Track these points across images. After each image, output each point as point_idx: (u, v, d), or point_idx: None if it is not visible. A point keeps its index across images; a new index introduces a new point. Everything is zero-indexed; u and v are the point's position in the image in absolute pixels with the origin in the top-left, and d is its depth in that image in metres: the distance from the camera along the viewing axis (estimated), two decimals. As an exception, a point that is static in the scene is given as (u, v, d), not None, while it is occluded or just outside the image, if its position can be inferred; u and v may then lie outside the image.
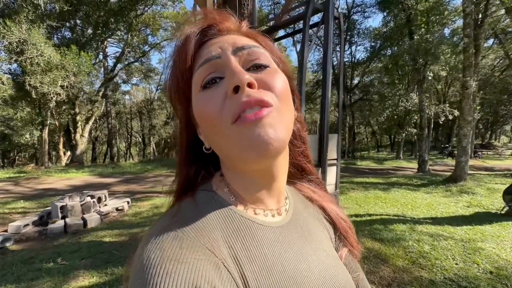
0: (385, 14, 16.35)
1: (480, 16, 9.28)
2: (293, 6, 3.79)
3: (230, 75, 0.31)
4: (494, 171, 11.27)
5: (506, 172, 10.59)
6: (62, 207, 4.52)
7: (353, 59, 21.11)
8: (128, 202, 5.78)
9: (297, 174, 0.50)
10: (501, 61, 19.19)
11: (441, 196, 6.59)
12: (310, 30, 3.09)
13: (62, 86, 11.55)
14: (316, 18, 3.98)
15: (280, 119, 0.32)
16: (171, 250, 0.28)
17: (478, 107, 14.98)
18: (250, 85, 0.31)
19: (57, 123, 15.19)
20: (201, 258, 0.29)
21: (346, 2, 19.82)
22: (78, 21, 15.48)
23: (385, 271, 2.85)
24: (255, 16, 2.66)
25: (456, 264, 3.00)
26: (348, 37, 19.59)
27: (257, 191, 0.38)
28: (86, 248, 3.51)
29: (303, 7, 3.15)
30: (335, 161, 2.87)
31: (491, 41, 16.68)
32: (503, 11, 10.17)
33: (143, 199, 6.49)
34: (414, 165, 13.52)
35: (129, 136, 30.26)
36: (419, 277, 2.73)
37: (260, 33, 0.40)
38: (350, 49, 20.80)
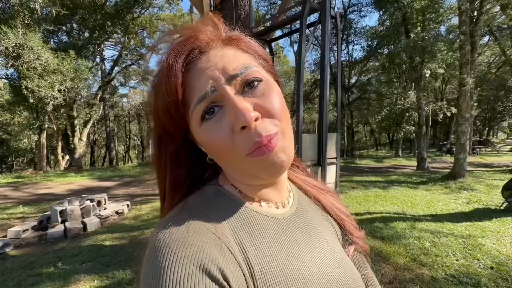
0: (381, 13, 16.40)
1: (475, 13, 9.34)
2: (289, 6, 3.80)
3: (234, 113, 0.32)
4: (492, 167, 11.32)
5: (504, 168, 10.64)
6: (61, 211, 4.50)
7: (350, 58, 21.18)
8: (128, 205, 5.76)
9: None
10: (497, 58, 19.32)
11: (440, 193, 6.60)
12: (307, 30, 3.10)
13: (59, 90, 11.53)
14: (313, 18, 3.99)
15: (285, 138, 0.34)
16: (179, 234, 0.31)
17: (475, 104, 15.05)
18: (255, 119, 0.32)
19: (55, 127, 15.14)
20: (207, 240, 0.31)
21: (342, 1, 19.89)
22: (74, 25, 15.46)
23: (387, 268, 2.85)
24: (252, 16, 2.67)
25: (457, 260, 3.01)
26: (345, 36, 19.65)
27: (262, 188, 0.40)
28: (87, 252, 3.49)
29: (300, 7, 3.16)
30: (334, 160, 2.87)
31: (486, 38, 16.80)
32: (498, 8, 10.24)
33: (143, 202, 6.47)
34: (413, 163, 13.56)
35: (127, 139, 30.20)
36: (420, 274, 2.74)
37: (239, 34, 0.39)
38: (347, 48, 20.87)
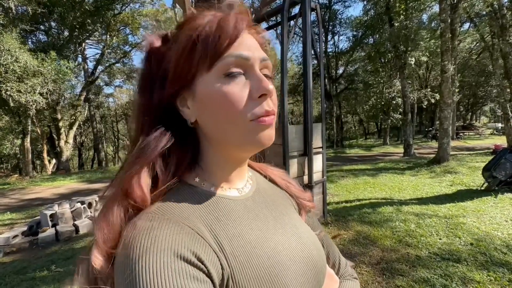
0: (365, 2, 16.54)
1: (455, 0, 9.55)
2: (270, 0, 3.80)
3: (258, 80, 0.37)
4: (475, 151, 11.77)
5: (486, 150, 11.09)
6: (51, 215, 4.43)
7: (336, 49, 21.30)
8: (119, 206, 5.72)
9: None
10: (477, 44, 19.85)
11: (426, 178, 6.85)
12: (290, 22, 3.13)
13: (41, 94, 11.13)
14: (296, 9, 4.01)
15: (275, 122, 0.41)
16: (148, 228, 0.31)
17: (457, 90, 15.49)
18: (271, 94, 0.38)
19: (39, 131, 14.68)
20: (178, 230, 0.32)
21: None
22: (53, 24, 14.87)
23: (374, 251, 2.98)
24: (234, 10, 2.67)
25: (440, 239, 3.17)
26: (330, 27, 19.72)
27: (230, 172, 0.44)
28: (80, 254, 3.48)
29: (281, 0, 3.18)
30: (320, 149, 2.95)
31: (467, 25, 17.23)
32: (476, -5, 10.50)
33: (135, 202, 6.43)
34: (400, 150, 13.92)
35: (116, 139, 29.62)
36: (405, 254, 2.88)
37: (262, 31, 0.44)
38: (333, 40, 20.99)
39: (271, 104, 0.38)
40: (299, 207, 0.54)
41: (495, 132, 21.63)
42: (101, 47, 18.63)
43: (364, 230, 3.59)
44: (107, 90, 28.39)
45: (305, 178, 2.98)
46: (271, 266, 0.37)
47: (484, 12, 10.65)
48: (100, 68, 19.22)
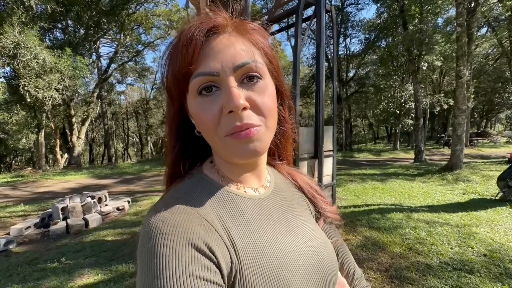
0: (378, 5, 16.30)
1: (472, 4, 9.31)
2: (285, 0, 3.79)
3: (227, 96, 0.35)
4: (489, 159, 11.42)
5: (501, 159, 10.74)
6: (63, 209, 4.54)
7: (348, 51, 21.09)
8: (128, 202, 5.81)
9: (275, 159, 0.56)
10: (494, 50, 19.29)
11: (437, 185, 6.69)
12: (303, 24, 3.11)
13: (57, 90, 11.46)
14: (309, 11, 4.00)
15: (266, 132, 0.39)
16: (168, 217, 0.35)
17: (472, 96, 15.09)
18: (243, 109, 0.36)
19: (52, 126, 15.09)
20: (193, 221, 0.35)
21: (339, -5, 19.68)
22: (69, 22, 15.29)
23: (383, 257, 2.93)
24: (248, 11, 2.67)
25: (452, 248, 3.08)
26: (342, 30, 19.54)
27: (242, 174, 0.45)
28: (89, 247, 3.55)
29: (296, 1, 3.17)
30: (331, 153, 2.92)
31: (484, 29, 16.77)
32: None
33: (143, 199, 6.53)
34: (411, 155, 13.66)
35: (126, 136, 30.15)
36: (415, 262, 2.81)
37: (252, 26, 0.41)
38: (344, 42, 20.76)
39: (247, 116, 0.36)
40: (320, 215, 0.53)
41: (510, 140, 20.94)
42: (115, 45, 19.04)
43: (372, 235, 3.53)
44: (119, 87, 28.94)
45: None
46: (279, 266, 0.38)
47: (503, 17, 10.34)
48: (113, 66, 19.64)
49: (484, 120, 30.95)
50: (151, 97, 27.10)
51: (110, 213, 5.17)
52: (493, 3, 11.63)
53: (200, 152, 0.47)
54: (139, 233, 0.36)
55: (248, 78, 0.37)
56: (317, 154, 2.64)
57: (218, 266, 0.33)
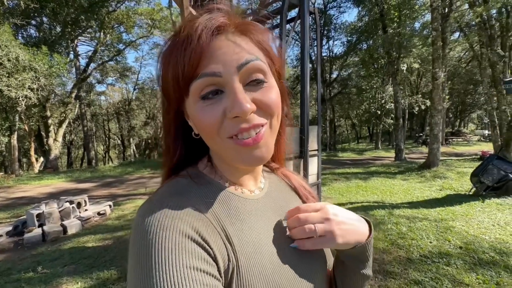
0: (359, 8, 16.82)
1: (446, 10, 9.82)
2: (270, 1, 3.81)
3: (233, 101, 0.34)
4: (463, 156, 12.08)
5: (473, 156, 11.38)
6: (38, 215, 4.30)
7: (331, 53, 21.56)
8: (110, 206, 5.61)
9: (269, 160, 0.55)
10: (466, 53, 20.43)
11: (416, 182, 6.98)
12: (287, 25, 3.14)
13: (31, 89, 10.85)
14: (293, 13, 4.04)
15: (271, 133, 0.38)
16: (165, 211, 0.34)
17: (447, 97, 15.90)
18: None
19: (26, 128, 14.28)
20: (190, 215, 0.35)
21: (324, -3, 20.08)
22: (44, 19, 14.55)
23: (367, 253, 3.01)
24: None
25: (430, 242, 3.23)
26: (325, 32, 19.94)
27: (241, 175, 0.45)
28: (68, 255, 3.39)
29: (280, 2, 3.20)
30: (316, 152, 2.97)
31: (457, 34, 17.70)
32: (467, 6, 10.82)
33: (126, 202, 6.32)
34: (391, 154, 14.16)
35: (107, 138, 29.08)
36: (397, 256, 2.92)
37: (254, 27, 0.39)
38: (328, 44, 21.20)
39: (253, 117, 0.35)
40: None
41: (482, 138, 22.25)
42: (94, 44, 18.33)
43: (356, 233, 3.61)
44: (99, 88, 27.90)
45: (300, 180, 2.97)
46: (276, 266, 0.38)
47: (474, 23, 10.99)
48: (92, 65, 18.91)
49: (458, 120, 32.70)
50: (134, 97, 26.35)
51: (90, 218, 4.96)
52: (465, 9, 12.32)
53: (197, 151, 0.46)
54: (132, 229, 0.35)
55: (254, 81, 0.36)
56: (302, 154, 2.67)
57: (215, 260, 0.33)
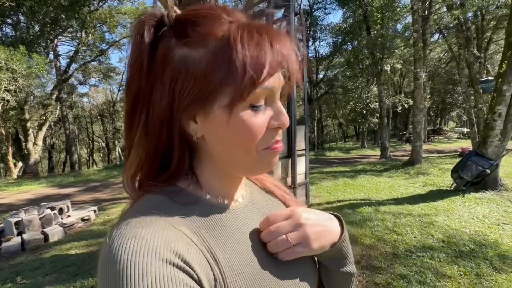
0: (344, 10, 17.16)
1: (426, 13, 10.20)
2: (256, 1, 3.82)
3: (279, 112, 0.36)
4: (444, 153, 12.55)
5: (454, 153, 11.86)
6: (17, 223, 4.10)
7: (317, 54, 21.88)
8: (94, 211, 5.43)
9: None
10: (445, 54, 21.28)
11: (401, 179, 7.19)
12: (273, 26, 3.16)
13: (8, 90, 10.33)
14: (279, 14, 4.07)
15: None
16: (139, 232, 0.29)
17: (428, 96, 16.47)
18: None
19: (3, 132, 13.60)
20: (169, 234, 0.30)
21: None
22: (21, 17, 13.91)
23: (355, 250, 3.06)
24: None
25: (415, 237, 3.33)
26: (311, 33, 20.22)
27: (232, 185, 0.42)
28: (50, 264, 3.25)
29: (266, 2, 3.21)
30: (303, 152, 2.99)
31: (436, 36, 18.42)
32: (445, 8, 11.28)
33: (111, 207, 6.14)
34: (377, 152, 14.50)
35: (90, 141, 28.18)
36: (384, 252, 2.99)
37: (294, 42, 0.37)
38: (314, 45, 21.52)
39: (281, 133, 0.39)
40: None
41: (461, 136, 23.23)
42: (76, 44, 17.72)
43: (344, 230, 3.68)
44: (82, 89, 27.00)
45: (289, 180, 3.01)
46: (263, 279, 0.36)
47: (452, 25, 11.48)
48: (74, 66, 18.25)
49: (439, 118, 34.00)
50: (118, 99, 25.67)
51: (73, 224, 4.78)
52: (443, 12, 12.84)
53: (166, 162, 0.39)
54: (99, 261, 0.29)
55: (285, 96, 0.38)
56: (290, 154, 2.69)
57: (200, 283, 0.29)
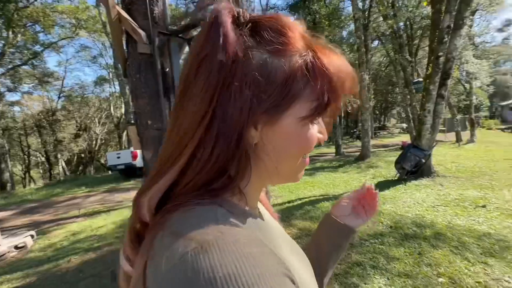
0: (295, 17, 18.05)
1: (366, 21, 11.29)
2: (208, 2, 3.77)
3: (323, 127, 0.40)
4: (389, 147, 13.98)
5: (396, 146, 13.28)
6: None
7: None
8: (32, 236, 4.73)
9: None
10: (385, 59, 23.81)
11: (354, 173, 7.78)
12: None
13: None
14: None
15: None
16: (241, 242, 0.26)
17: (372, 96, 18.18)
18: None
19: None
20: (269, 249, 0.28)
21: (261, 3, 20.93)
22: None
23: (316, 245, 3.19)
24: (167, 14, 2.54)
25: (367, 226, 3.61)
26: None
27: (258, 195, 0.42)
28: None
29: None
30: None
31: (376, 42, 20.52)
32: (381, 18, 12.65)
33: (53, 229, 5.41)
34: (332, 150, 15.49)
35: (26, 156, 24.58)
36: (342, 243, 3.17)
37: None
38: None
39: None
40: None
41: (402, 130, 26.19)
42: (1, 45, 15.38)
43: (306, 226, 3.82)
44: (11, 97, 23.46)
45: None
46: (311, 282, 0.40)
47: (387, 32, 12.92)
48: (0, 70, 15.80)
49: (383, 116, 37.83)
50: (59, 107, 22.98)
51: (4, 254, 4.09)
52: (380, 21, 14.39)
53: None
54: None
55: None
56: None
57: None
